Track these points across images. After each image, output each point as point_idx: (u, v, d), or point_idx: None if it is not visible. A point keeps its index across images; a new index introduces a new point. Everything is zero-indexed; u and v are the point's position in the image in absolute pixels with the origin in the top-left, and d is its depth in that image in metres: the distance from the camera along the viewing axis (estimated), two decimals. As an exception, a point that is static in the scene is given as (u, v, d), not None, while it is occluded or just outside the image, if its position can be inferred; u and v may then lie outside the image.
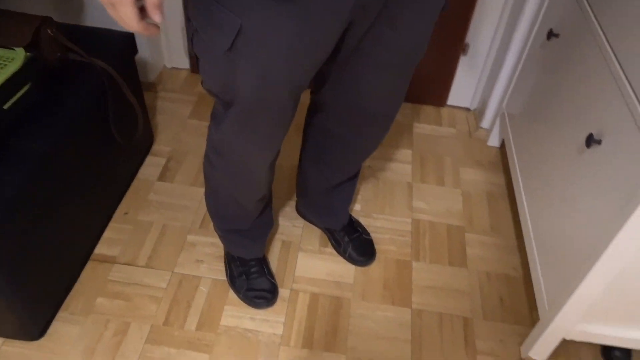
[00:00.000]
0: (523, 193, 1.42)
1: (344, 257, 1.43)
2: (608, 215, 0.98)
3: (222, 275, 1.36)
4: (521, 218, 1.39)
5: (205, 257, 1.40)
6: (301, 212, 1.50)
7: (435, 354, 1.25)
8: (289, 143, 1.75)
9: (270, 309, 1.30)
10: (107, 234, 1.43)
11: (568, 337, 1.16)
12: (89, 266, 1.35)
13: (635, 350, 1.28)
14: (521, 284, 1.41)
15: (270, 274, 1.34)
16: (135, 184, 1.57)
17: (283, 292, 1.34)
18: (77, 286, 1.31)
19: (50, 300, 1.23)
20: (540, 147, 1.36)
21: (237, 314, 1.28)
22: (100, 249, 1.39)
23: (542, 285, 1.21)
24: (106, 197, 1.43)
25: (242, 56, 0.79)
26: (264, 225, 1.28)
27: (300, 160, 1.33)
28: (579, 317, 1.11)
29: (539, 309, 1.20)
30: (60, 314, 1.25)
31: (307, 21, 0.76)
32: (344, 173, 1.28)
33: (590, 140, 1.06)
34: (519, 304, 1.37)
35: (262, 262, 1.34)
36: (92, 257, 1.37)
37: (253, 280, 1.31)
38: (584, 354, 1.28)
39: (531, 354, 1.22)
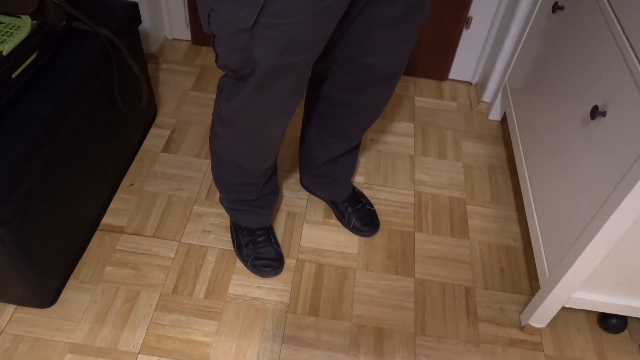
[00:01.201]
0: (525, 165, 1.44)
1: (348, 228, 1.44)
2: (610, 186, 1.00)
3: (229, 246, 1.38)
4: (522, 189, 1.41)
5: (212, 228, 1.41)
6: (305, 185, 1.51)
7: (438, 322, 1.29)
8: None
9: (276, 278, 1.33)
10: (114, 204, 1.44)
11: (568, 305, 1.20)
12: (97, 236, 1.36)
13: (631, 318, 1.32)
14: (521, 255, 1.45)
15: (276, 243, 1.36)
16: (140, 155, 1.58)
17: (289, 262, 1.36)
18: (86, 255, 1.32)
19: (60, 269, 1.24)
20: (542, 119, 1.38)
21: (244, 283, 1.31)
22: (107, 219, 1.40)
23: (543, 254, 1.24)
24: (112, 167, 1.44)
25: (265, 28, 0.79)
26: (270, 194, 1.30)
27: (302, 133, 1.34)
28: (579, 285, 1.14)
29: (540, 278, 1.23)
30: (71, 282, 1.27)
31: None
32: (348, 142, 1.29)
33: (595, 112, 1.07)
34: (519, 273, 1.40)
35: (269, 232, 1.36)
36: (100, 227, 1.38)
37: (260, 249, 1.33)
38: (581, 322, 1.32)
39: (531, 321, 1.26)
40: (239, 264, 1.34)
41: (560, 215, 1.19)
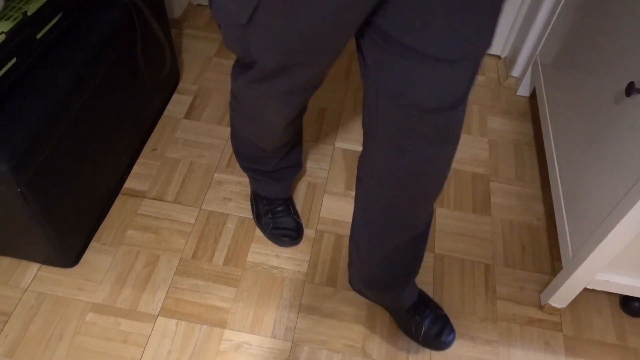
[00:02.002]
0: (552, 142, 1.40)
1: (417, 341, 1.19)
2: (644, 166, 0.97)
3: (249, 214, 1.38)
4: (549, 167, 1.38)
5: (232, 195, 1.42)
6: (355, 287, 1.26)
7: (456, 297, 1.28)
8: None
9: (295, 248, 1.33)
10: (136, 169, 1.45)
11: (590, 287, 1.17)
12: (119, 200, 1.38)
13: (654, 302, 1.30)
14: (544, 234, 1.42)
15: (295, 214, 1.35)
16: (162, 121, 1.58)
17: (308, 232, 1.36)
18: (108, 219, 1.34)
19: (83, 231, 1.26)
20: (574, 96, 1.33)
21: (263, 251, 1.31)
22: (129, 184, 1.41)
23: (568, 234, 1.21)
24: (134, 132, 1.44)
25: (260, 26, 0.75)
26: (290, 167, 1.28)
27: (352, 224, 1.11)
28: (603, 266, 1.12)
29: (563, 258, 1.21)
30: (93, 244, 1.29)
31: None
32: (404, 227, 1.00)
33: (631, 89, 1.03)
34: (541, 253, 1.38)
35: (288, 202, 1.35)
36: (122, 191, 1.40)
37: (278, 219, 1.32)
38: (603, 303, 1.30)
39: (551, 301, 1.24)
40: (259, 232, 1.35)
41: (588, 195, 1.16)
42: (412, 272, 1.11)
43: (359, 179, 1.00)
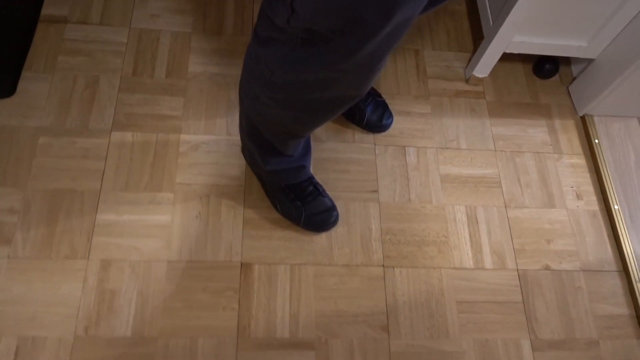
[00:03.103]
0: None
1: (361, 126, 1.30)
2: None
3: (181, 27, 1.36)
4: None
5: (160, 11, 1.38)
6: None
7: (391, 81, 1.38)
8: None
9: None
10: (50, -6, 1.36)
11: (508, 50, 1.30)
12: (40, 28, 1.31)
13: (562, 64, 1.45)
14: (465, 18, 1.51)
15: (324, 192, 1.19)
16: (65, -57, 1.45)
17: (245, 39, 1.37)
18: (34, 48, 1.28)
19: (9, 63, 1.21)
20: None
21: (202, 61, 1.32)
22: (47, 10, 1.33)
23: (488, 6, 1.30)
24: (38, -45, 1.33)
25: None
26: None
27: None
28: (518, 28, 1.23)
29: (484, 28, 1.31)
30: (25, 74, 1.24)
31: None
32: None
33: None
34: (463, 35, 1.48)
35: (313, 180, 1.19)
36: (41, 18, 1.32)
37: (310, 203, 1.16)
38: (518, 71, 1.45)
39: (475, 72, 1.37)
40: (195, 43, 1.34)
41: (504, -38, 1.23)
42: None
43: None
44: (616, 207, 1.28)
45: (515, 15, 1.19)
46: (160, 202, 1.15)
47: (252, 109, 0.93)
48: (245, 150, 1.16)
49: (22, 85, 1.23)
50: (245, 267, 1.11)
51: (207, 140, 1.23)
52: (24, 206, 1.10)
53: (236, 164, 1.21)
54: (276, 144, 1.00)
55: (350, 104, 0.86)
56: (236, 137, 1.24)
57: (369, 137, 1.29)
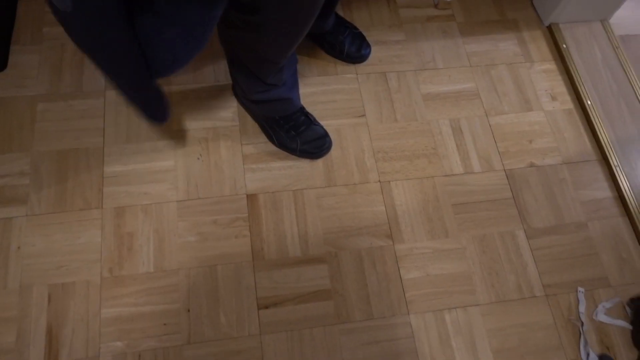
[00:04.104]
0: None
1: (341, 58, 1.37)
2: None
3: None
4: None
5: None
6: None
7: (364, 14, 1.44)
8: None
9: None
10: (26, -29, 1.40)
11: (470, -32, 1.36)
12: (21, 4, 1.35)
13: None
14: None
15: (315, 120, 1.26)
16: None
17: None
18: (18, 23, 1.32)
19: (-2, 37, 1.26)
20: None
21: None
22: (25, -13, 1.38)
23: None
24: None
25: None
26: (291, 62, 1.16)
27: None
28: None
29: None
30: (14, 48, 1.29)
31: None
32: None
33: None
34: (427, -36, 1.55)
35: (304, 110, 1.25)
36: (20, -5, 1.36)
37: (303, 132, 1.22)
38: (483, -8, 1.52)
39: (442, -5, 1.43)
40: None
41: None
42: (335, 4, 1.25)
43: None
44: (589, 102, 1.36)
45: None
46: (162, 149, 1.21)
47: (226, 34, 1.02)
48: (235, 87, 1.22)
49: (12, 59, 1.27)
50: (251, 198, 1.18)
51: (196, 88, 1.28)
52: (33, 168, 1.16)
53: (228, 106, 1.27)
54: (255, 72, 1.08)
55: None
56: (224, 83, 1.29)
57: (351, 67, 1.36)
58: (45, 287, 1.06)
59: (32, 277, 1.06)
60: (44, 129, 1.20)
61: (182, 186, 1.17)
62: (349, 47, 1.34)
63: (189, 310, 1.06)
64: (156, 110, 0.98)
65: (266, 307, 1.08)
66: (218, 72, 1.31)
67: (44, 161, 1.17)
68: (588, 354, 1.09)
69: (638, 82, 1.39)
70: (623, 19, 1.54)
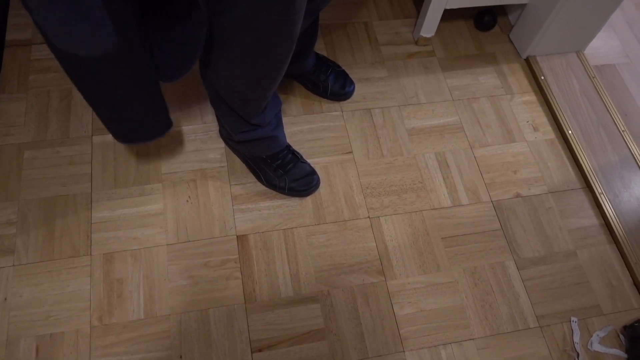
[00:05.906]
0: None
1: (326, 97, 1.39)
2: None
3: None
4: None
5: (119, 22, 1.44)
6: None
7: (347, 53, 1.47)
8: None
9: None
10: (12, 20, 1.41)
11: (448, 6, 1.41)
12: (8, 52, 1.36)
13: (500, 16, 1.57)
14: (405, -12, 1.62)
15: (302, 158, 1.27)
16: (16, -26, 1.51)
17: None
18: (4, 71, 1.33)
19: (-17, 86, 1.26)
20: None
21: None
22: (11, 36, 1.38)
23: (422, -31, 1.41)
24: (-7, -14, 1.38)
25: None
26: (276, 106, 1.19)
27: None
28: (453, -17, 1.34)
29: (423, -10, 1.42)
30: (0, 96, 1.29)
31: None
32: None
33: None
34: (406, 2, 1.59)
35: (290, 148, 1.26)
36: (7, 44, 1.37)
37: (291, 170, 1.23)
38: (462, 27, 1.56)
39: (422, 32, 1.47)
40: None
41: None
42: (315, 37, 1.26)
43: None
44: (570, 132, 1.39)
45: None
46: (150, 192, 1.21)
47: (209, 76, 1.06)
48: (220, 128, 1.23)
49: (-2, 107, 1.28)
50: (241, 239, 1.17)
51: (185, 131, 1.29)
52: (20, 217, 1.15)
53: (215, 148, 1.28)
54: (238, 112, 1.10)
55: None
56: (211, 124, 1.31)
57: (336, 105, 1.38)
58: (32, 339, 1.03)
59: (19, 329, 1.04)
60: (31, 176, 1.19)
61: (172, 229, 1.17)
62: (332, 85, 1.37)
63: (181, 357, 1.04)
64: (157, 120, 1.03)
65: (260, 350, 1.06)
66: (204, 113, 1.32)
67: (31, 209, 1.16)
68: (585, 384, 1.09)
69: (615, 110, 1.43)
70: (597, 49, 1.59)
